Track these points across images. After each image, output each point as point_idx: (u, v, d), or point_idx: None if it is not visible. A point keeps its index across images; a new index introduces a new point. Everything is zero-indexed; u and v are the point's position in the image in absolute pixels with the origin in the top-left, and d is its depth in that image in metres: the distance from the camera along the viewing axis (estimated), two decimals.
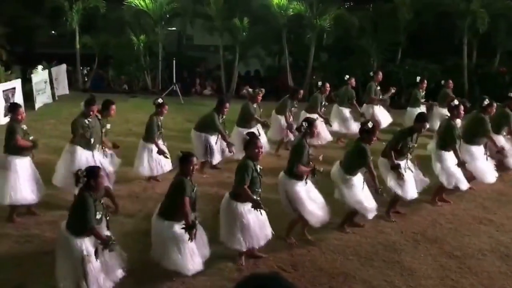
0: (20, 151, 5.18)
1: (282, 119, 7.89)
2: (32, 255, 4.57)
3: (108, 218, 3.89)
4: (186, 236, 3.86)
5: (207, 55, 16.03)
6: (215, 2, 13.05)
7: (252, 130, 7.12)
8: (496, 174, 6.32)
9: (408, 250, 4.88)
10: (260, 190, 4.35)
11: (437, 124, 9.05)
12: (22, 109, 5.35)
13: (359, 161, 4.92)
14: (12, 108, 5.36)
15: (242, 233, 4.26)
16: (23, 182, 5.14)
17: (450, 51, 13.13)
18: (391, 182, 5.38)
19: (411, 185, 5.47)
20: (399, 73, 12.77)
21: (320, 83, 8.49)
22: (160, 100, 6.35)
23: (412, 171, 5.54)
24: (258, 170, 4.31)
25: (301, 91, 8.27)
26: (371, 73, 9.39)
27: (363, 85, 13.14)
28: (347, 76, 8.97)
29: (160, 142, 6.32)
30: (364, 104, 9.15)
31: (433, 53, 13.12)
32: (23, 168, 5.18)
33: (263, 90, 7.65)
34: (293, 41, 14.25)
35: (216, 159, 6.91)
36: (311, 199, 4.76)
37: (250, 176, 4.20)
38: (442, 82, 9.58)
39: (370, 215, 5.08)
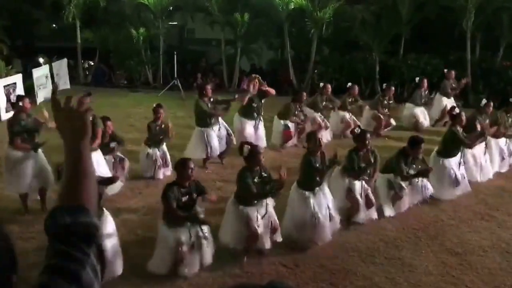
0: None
1: (283, 124, 7.76)
2: (37, 250, 4.57)
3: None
4: None
5: (209, 49, 15.95)
6: None
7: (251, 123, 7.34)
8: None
9: (409, 247, 4.89)
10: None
11: (437, 113, 9.23)
12: (28, 99, 5.34)
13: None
14: (17, 99, 5.42)
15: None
16: (21, 173, 5.16)
17: (453, 45, 12.95)
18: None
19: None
20: (401, 68, 12.70)
21: (321, 84, 8.55)
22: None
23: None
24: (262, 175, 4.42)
25: (304, 94, 8.11)
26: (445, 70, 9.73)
27: (365, 80, 13.13)
28: (349, 84, 8.78)
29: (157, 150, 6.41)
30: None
31: (436, 47, 13.00)
32: (21, 161, 5.18)
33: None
34: (295, 35, 14.16)
35: (215, 152, 6.92)
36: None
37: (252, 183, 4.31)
38: (445, 70, 9.74)
39: None
